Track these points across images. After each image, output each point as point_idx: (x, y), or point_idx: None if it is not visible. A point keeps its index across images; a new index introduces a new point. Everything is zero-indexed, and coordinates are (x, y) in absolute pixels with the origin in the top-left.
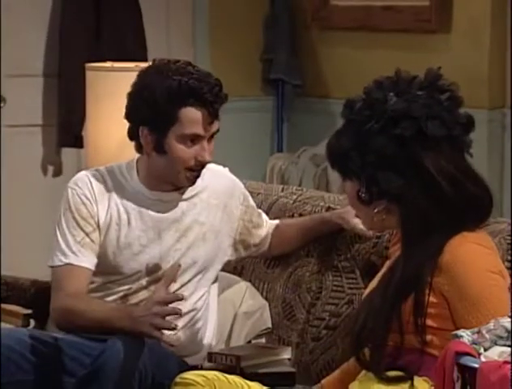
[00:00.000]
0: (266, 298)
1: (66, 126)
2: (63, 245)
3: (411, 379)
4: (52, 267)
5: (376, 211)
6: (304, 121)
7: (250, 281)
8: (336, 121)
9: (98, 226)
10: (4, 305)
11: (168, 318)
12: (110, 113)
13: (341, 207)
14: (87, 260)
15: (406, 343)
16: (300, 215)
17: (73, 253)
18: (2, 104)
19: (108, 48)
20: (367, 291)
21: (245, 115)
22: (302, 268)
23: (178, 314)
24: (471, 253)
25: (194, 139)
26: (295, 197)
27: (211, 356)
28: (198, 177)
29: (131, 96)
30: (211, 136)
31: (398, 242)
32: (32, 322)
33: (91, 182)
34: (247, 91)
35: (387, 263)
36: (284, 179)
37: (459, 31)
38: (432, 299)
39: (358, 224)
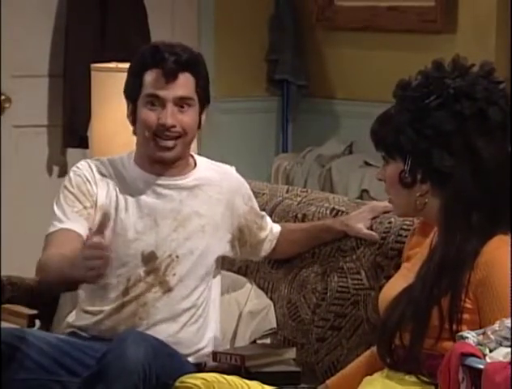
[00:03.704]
0: (271, 299)
1: (72, 127)
2: (60, 215)
3: (436, 386)
4: (47, 235)
5: (419, 194)
6: (309, 122)
7: (255, 282)
8: (341, 121)
9: (96, 205)
10: (9, 306)
11: None
12: (115, 114)
13: (345, 208)
14: (82, 227)
15: (436, 349)
16: (304, 215)
17: (68, 219)
18: (7, 105)
19: (113, 48)
20: (387, 291)
21: (250, 115)
22: (307, 269)
23: (103, 256)
24: (507, 257)
25: (156, 102)
26: (299, 198)
27: (215, 355)
28: (170, 147)
29: None
30: (183, 104)
31: (416, 246)
32: (37, 323)
33: (91, 168)
34: (252, 91)
35: (404, 265)
36: (289, 179)
37: (465, 31)
38: (467, 305)
39: (362, 229)
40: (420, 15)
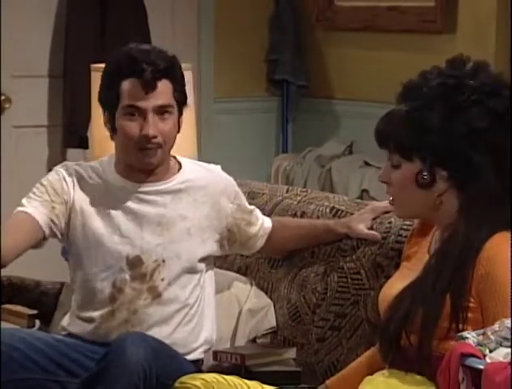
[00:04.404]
0: (271, 299)
1: (71, 127)
2: (24, 201)
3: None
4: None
5: (437, 194)
6: (309, 122)
7: (255, 281)
8: (341, 121)
9: (70, 207)
10: (9, 306)
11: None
12: None
13: (345, 207)
14: (41, 216)
15: (438, 350)
16: (304, 213)
17: (30, 205)
18: (7, 105)
19: (113, 48)
20: (388, 290)
21: (250, 116)
22: (307, 269)
23: None
24: (508, 253)
25: (136, 113)
26: (299, 198)
27: (216, 354)
28: (153, 155)
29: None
30: (163, 112)
31: (416, 244)
32: (37, 323)
33: (72, 170)
34: (252, 91)
35: (404, 264)
36: (289, 180)
37: (465, 31)
38: (470, 304)
39: (364, 230)
40: (420, 15)
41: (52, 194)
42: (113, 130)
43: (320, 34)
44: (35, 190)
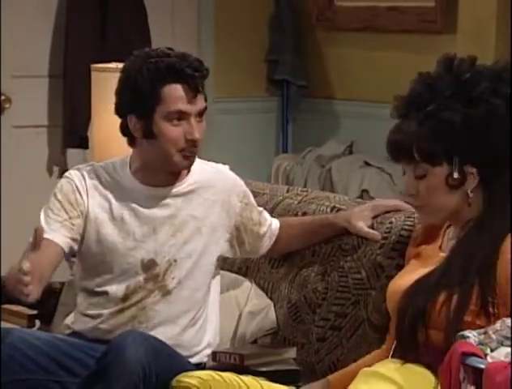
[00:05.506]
0: (271, 299)
1: (72, 127)
2: (43, 223)
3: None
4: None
5: (470, 190)
6: (309, 122)
7: (255, 282)
8: (341, 121)
9: (85, 216)
10: (9, 306)
11: None
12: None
13: (346, 207)
14: (62, 239)
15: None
16: (305, 213)
17: (50, 229)
18: (7, 105)
19: (113, 49)
20: (398, 282)
21: (250, 116)
22: (308, 269)
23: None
24: None
25: (181, 117)
26: (300, 198)
27: (215, 355)
28: (192, 158)
29: (117, 91)
30: (200, 115)
31: (423, 244)
32: (37, 323)
33: (84, 176)
34: (252, 91)
35: (413, 261)
36: (289, 180)
37: (465, 32)
38: (496, 301)
39: (363, 227)
40: (420, 16)
41: (69, 210)
42: (147, 135)
43: (320, 34)
44: (51, 205)
